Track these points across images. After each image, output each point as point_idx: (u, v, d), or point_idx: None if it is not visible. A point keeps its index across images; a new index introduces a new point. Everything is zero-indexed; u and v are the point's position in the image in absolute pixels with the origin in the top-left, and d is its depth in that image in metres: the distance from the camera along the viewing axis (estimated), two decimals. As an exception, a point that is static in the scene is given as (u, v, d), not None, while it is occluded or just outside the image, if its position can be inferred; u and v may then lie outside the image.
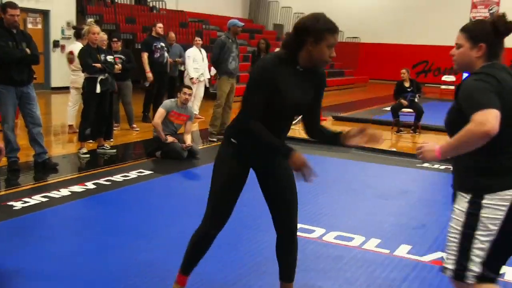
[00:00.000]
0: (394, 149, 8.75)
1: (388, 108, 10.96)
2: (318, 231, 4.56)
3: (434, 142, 2.43)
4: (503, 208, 2.34)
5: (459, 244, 2.40)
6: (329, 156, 7.76)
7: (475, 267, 2.38)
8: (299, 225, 4.52)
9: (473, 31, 2.44)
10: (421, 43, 23.12)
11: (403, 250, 4.21)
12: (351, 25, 23.74)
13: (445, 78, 20.32)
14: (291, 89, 2.70)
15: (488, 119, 2.17)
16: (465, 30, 2.47)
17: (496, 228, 2.36)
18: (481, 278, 2.40)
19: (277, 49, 3.56)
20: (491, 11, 22.36)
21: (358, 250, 4.22)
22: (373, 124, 11.21)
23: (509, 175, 2.35)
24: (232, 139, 2.86)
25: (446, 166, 7.30)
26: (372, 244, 4.32)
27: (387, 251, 4.18)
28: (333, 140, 2.95)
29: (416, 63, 23.31)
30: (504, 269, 3.81)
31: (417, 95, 10.26)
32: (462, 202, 2.40)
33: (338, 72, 22.10)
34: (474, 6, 22.63)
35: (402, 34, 23.40)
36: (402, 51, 23.09)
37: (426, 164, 7.40)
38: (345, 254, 4.11)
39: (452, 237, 2.44)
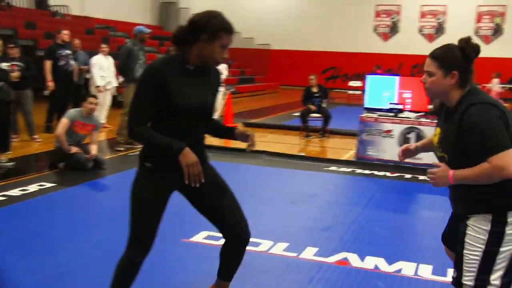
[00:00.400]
0: (303, 154, 8.91)
1: (298, 114, 11.17)
2: (226, 238, 4.52)
3: (445, 167, 2.42)
4: None
5: (482, 260, 2.39)
6: (238, 162, 7.77)
7: (497, 280, 2.40)
8: (207, 233, 4.55)
9: (445, 59, 2.42)
10: (329, 50, 23.87)
11: (309, 253, 4.26)
12: (262, 32, 24.13)
13: (352, 83, 21.08)
14: (183, 89, 2.58)
15: (506, 164, 2.25)
16: (435, 57, 2.44)
17: None
18: None
19: None
20: (393, 20, 23.48)
21: (265, 254, 4.22)
22: (283, 130, 11.41)
23: None
24: (146, 164, 2.68)
25: (353, 169, 7.52)
26: (279, 248, 4.33)
27: (294, 254, 4.22)
28: (226, 133, 2.91)
29: (325, 69, 24.02)
30: (414, 266, 3.97)
31: (324, 100, 10.53)
32: (484, 222, 2.39)
33: (249, 79, 22.32)
34: (377, 14, 23.69)
35: (311, 41, 24.04)
36: (311, 57, 23.72)
37: (333, 168, 7.59)
38: (253, 259, 4.09)
39: (472, 254, 2.41)
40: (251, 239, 4.40)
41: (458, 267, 2.46)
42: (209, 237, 4.53)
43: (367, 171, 7.37)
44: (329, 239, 4.61)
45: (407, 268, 4.01)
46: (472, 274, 2.41)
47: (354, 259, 4.14)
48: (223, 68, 11.49)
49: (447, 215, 2.61)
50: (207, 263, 4.04)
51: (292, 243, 4.44)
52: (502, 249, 2.37)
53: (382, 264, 4.06)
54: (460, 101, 2.42)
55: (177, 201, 2.90)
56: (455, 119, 2.39)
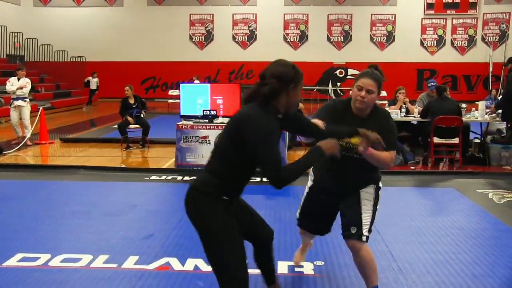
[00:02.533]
0: (124, 165, 8.82)
1: (116, 126, 11.02)
2: (43, 258, 4.36)
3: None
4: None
5: (372, 215, 3.39)
6: (54, 180, 7.47)
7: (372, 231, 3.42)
8: (22, 255, 4.36)
9: (380, 82, 3.28)
10: (147, 60, 23.79)
11: (131, 262, 4.27)
12: (75, 45, 23.27)
13: (172, 92, 21.26)
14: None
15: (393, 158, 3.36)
16: (376, 80, 3.26)
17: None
18: None
19: None
20: (207, 28, 24.18)
21: (85, 269, 4.15)
22: (103, 143, 11.15)
23: None
24: (224, 197, 2.82)
25: (173, 177, 7.64)
26: (100, 261, 4.29)
27: (115, 265, 4.20)
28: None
29: (144, 79, 23.89)
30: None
31: (142, 111, 10.53)
32: (371, 189, 3.43)
33: (65, 93, 21.41)
34: (192, 23, 24.18)
35: (128, 52, 23.77)
36: (129, 68, 23.43)
37: (153, 177, 7.64)
38: (72, 276, 4.01)
39: (367, 212, 3.36)
40: (70, 255, 4.38)
41: (357, 224, 3.31)
42: (24, 259, 4.34)
43: (187, 178, 7.54)
44: (151, 246, 4.67)
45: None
46: (367, 226, 3.33)
47: (175, 263, 4.25)
48: (25, 83, 10.85)
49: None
50: (22, 284, 3.87)
51: (112, 255, 4.42)
52: (378, 207, 3.45)
53: (201, 264, 4.22)
54: (372, 111, 3.34)
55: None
56: (374, 124, 3.25)
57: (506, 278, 4.07)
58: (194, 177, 2.94)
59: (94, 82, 21.04)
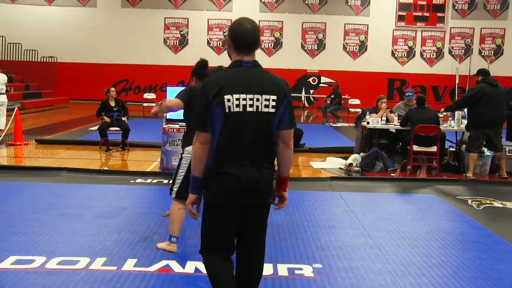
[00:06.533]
0: (106, 168, 8.75)
1: (94, 128, 10.90)
2: (39, 260, 4.32)
3: None
4: None
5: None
6: (36, 181, 7.36)
7: None
8: (15, 257, 4.32)
9: None
10: (119, 62, 23.54)
11: (130, 264, 4.27)
12: (47, 44, 22.88)
13: (147, 96, 21.14)
14: None
15: None
16: None
17: None
18: None
19: None
20: (181, 32, 24.13)
21: (85, 271, 4.13)
22: (80, 145, 11.01)
23: None
24: None
25: (158, 180, 7.62)
26: (98, 264, 4.27)
27: (115, 268, 4.19)
28: None
29: (117, 81, 23.63)
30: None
31: (126, 117, 10.40)
32: None
33: (35, 94, 21.04)
34: (166, 27, 24.08)
35: (101, 54, 23.47)
36: (101, 70, 23.16)
37: (139, 180, 7.60)
38: (72, 278, 3.99)
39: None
40: (67, 258, 4.36)
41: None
42: (18, 262, 4.28)
43: (173, 181, 7.51)
44: (147, 249, 4.67)
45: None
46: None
47: (175, 266, 4.27)
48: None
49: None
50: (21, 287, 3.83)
51: (110, 257, 4.41)
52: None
53: (201, 267, 4.22)
54: None
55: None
56: None
57: (495, 280, 4.23)
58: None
59: None
